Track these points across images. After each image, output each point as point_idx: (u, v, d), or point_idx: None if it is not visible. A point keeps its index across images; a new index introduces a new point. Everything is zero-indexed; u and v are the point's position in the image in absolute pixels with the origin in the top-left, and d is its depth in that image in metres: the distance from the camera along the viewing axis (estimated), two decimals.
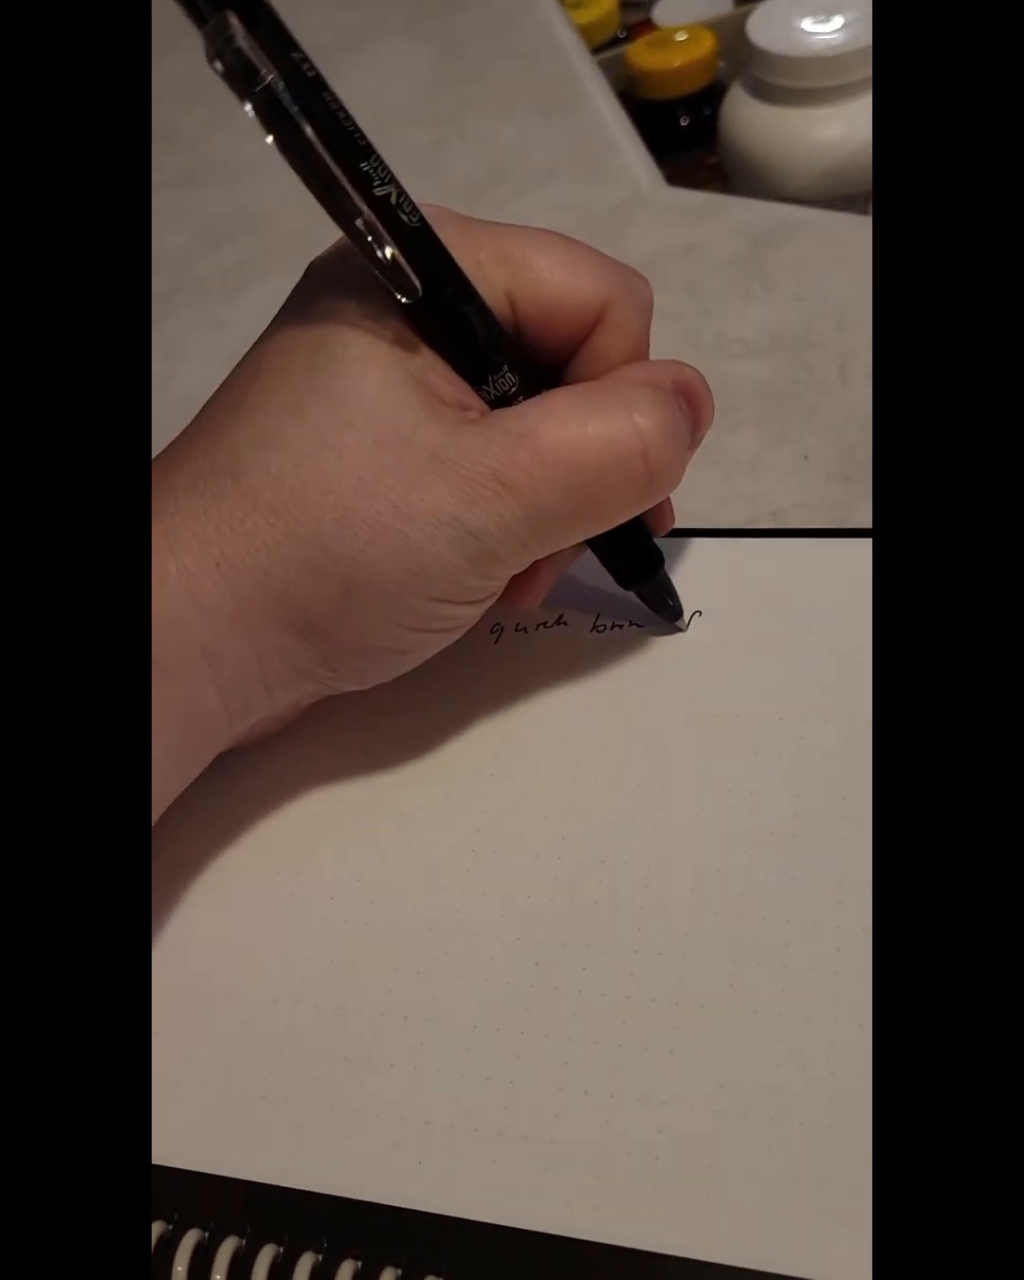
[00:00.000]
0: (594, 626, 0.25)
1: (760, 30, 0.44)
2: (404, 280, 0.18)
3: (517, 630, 0.25)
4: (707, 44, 0.52)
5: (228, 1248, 0.18)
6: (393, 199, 0.17)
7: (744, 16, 0.48)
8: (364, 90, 0.46)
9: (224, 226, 0.42)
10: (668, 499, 0.23)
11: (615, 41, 0.58)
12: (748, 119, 0.46)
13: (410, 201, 0.18)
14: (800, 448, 0.29)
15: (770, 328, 0.31)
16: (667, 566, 0.24)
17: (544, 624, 0.25)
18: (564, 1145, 0.18)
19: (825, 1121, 0.17)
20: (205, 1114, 0.20)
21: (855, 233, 0.33)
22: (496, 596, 0.21)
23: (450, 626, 0.21)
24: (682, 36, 0.53)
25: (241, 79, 0.16)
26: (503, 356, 0.19)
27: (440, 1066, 0.19)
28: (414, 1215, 0.18)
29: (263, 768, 0.24)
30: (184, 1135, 0.19)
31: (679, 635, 0.24)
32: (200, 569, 0.19)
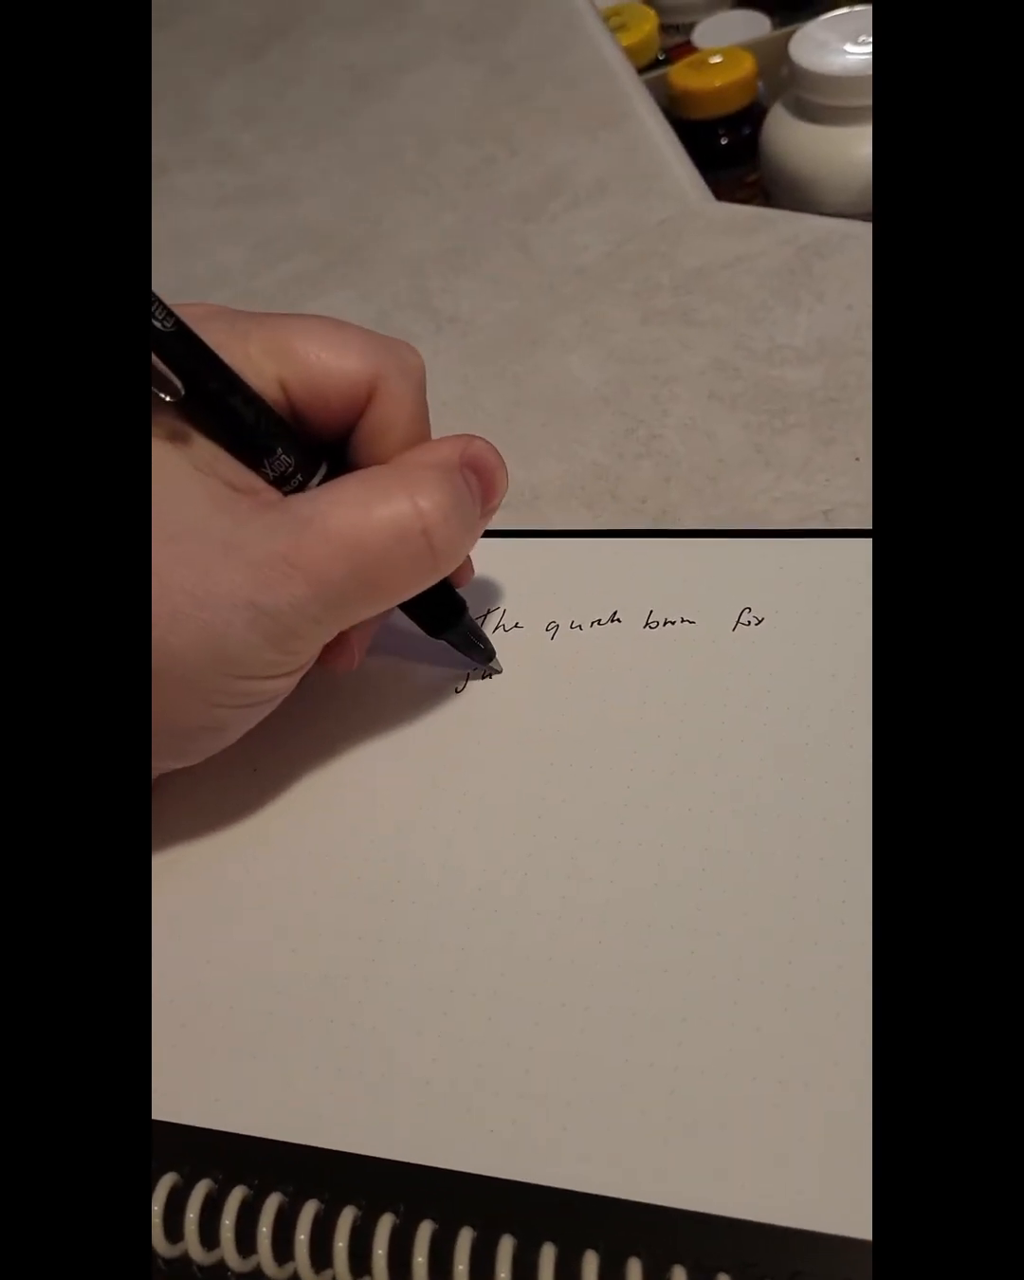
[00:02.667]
0: (646, 622, 0.26)
1: (803, 50, 0.45)
2: (165, 382, 0.19)
3: (572, 628, 0.26)
4: (746, 65, 0.53)
5: (236, 1196, 0.19)
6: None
7: (781, 39, 0.49)
8: (416, 110, 0.47)
9: (282, 241, 0.43)
10: (468, 557, 0.24)
11: (656, 63, 0.59)
12: (790, 137, 0.47)
13: (165, 308, 0.19)
14: (850, 449, 0.29)
15: (819, 335, 0.32)
16: (726, 563, 0.24)
17: (598, 621, 0.26)
18: (581, 1107, 0.19)
19: (829, 1082, 0.18)
20: (227, 1076, 0.20)
21: None
22: (305, 669, 0.22)
23: (261, 700, 0.22)
24: (718, 59, 0.54)
25: None
26: (274, 439, 0.20)
27: (462, 1035, 0.20)
28: (434, 1172, 0.19)
29: (307, 737, 0.25)
30: (206, 1096, 0.20)
31: (731, 631, 0.25)
32: None
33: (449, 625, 0.24)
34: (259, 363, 0.21)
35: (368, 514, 0.20)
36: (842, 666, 0.24)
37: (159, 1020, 0.21)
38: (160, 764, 0.22)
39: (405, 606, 0.24)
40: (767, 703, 0.23)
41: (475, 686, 0.25)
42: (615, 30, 0.58)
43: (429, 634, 0.25)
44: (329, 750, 0.25)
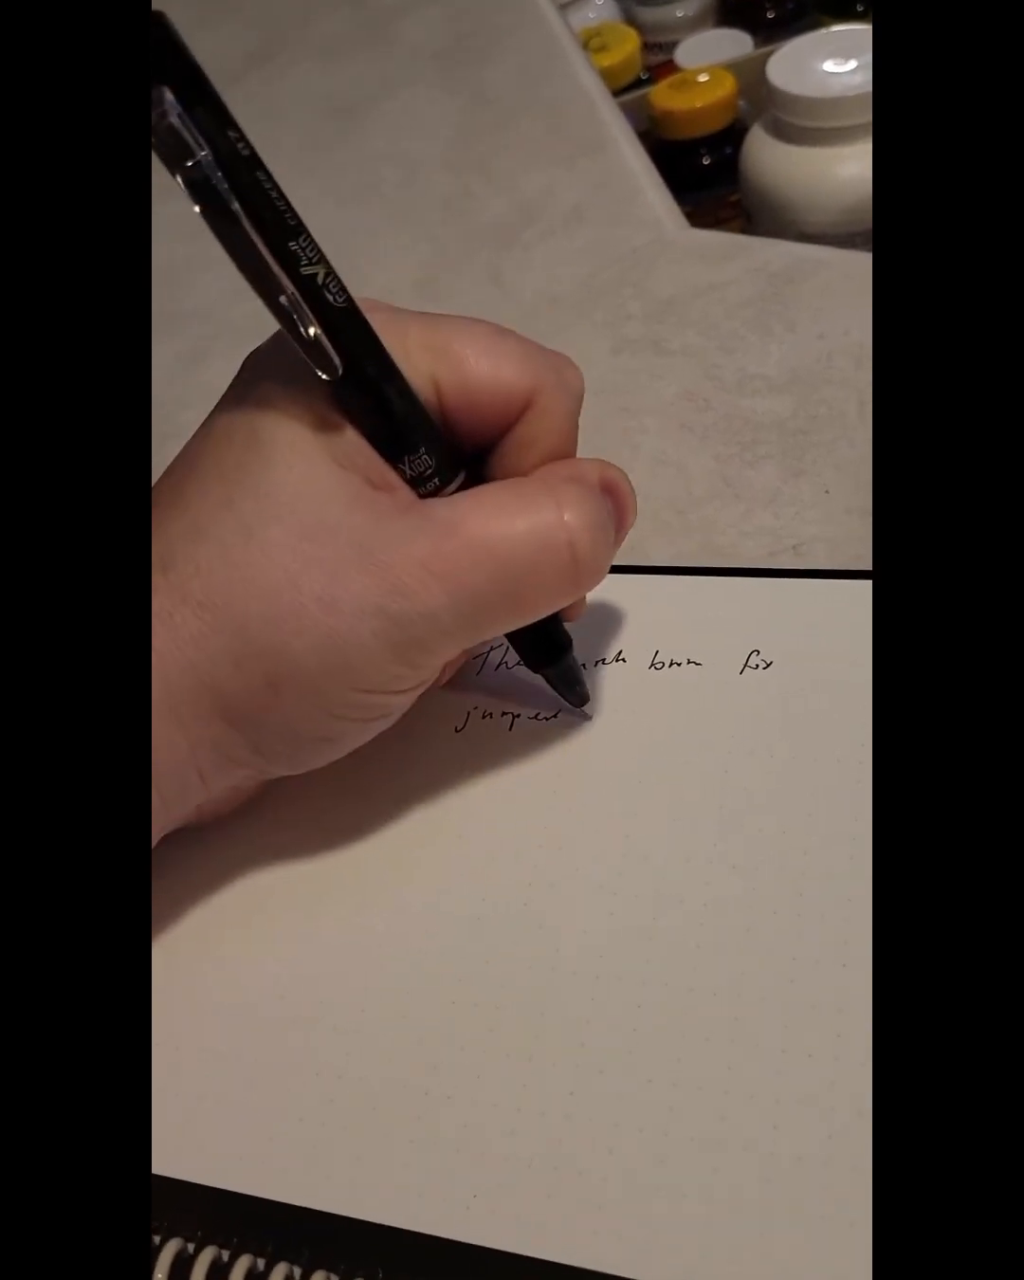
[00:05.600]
0: (652, 663, 0.25)
1: (781, 72, 0.45)
2: (325, 358, 0.18)
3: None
4: (727, 85, 0.53)
5: (206, 1258, 0.18)
6: (320, 278, 0.18)
7: (764, 58, 0.49)
8: (395, 139, 0.47)
9: None
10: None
11: (638, 83, 0.59)
12: (769, 158, 0.46)
13: (339, 283, 0.18)
14: (820, 482, 0.29)
15: (791, 365, 0.32)
16: (732, 603, 0.24)
17: (602, 661, 0.26)
18: (567, 1173, 0.18)
19: (825, 1155, 0.17)
20: (210, 1129, 0.20)
21: None
22: (426, 685, 0.21)
23: (380, 714, 0.21)
24: (703, 78, 0.54)
25: (172, 154, 0.16)
26: (420, 437, 0.20)
27: (451, 1092, 0.19)
28: (411, 1235, 0.18)
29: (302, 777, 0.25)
30: (189, 1149, 0.20)
31: (738, 674, 0.24)
32: None
33: (553, 660, 0.24)
34: (416, 358, 0.20)
35: (512, 523, 0.19)
36: (853, 712, 0.23)
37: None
38: (270, 770, 0.22)
39: (512, 634, 0.23)
40: (775, 749, 0.23)
41: (476, 725, 0.25)
42: (596, 51, 0.58)
43: (530, 667, 0.24)
44: (325, 795, 0.24)
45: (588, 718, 0.25)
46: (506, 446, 0.21)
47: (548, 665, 0.24)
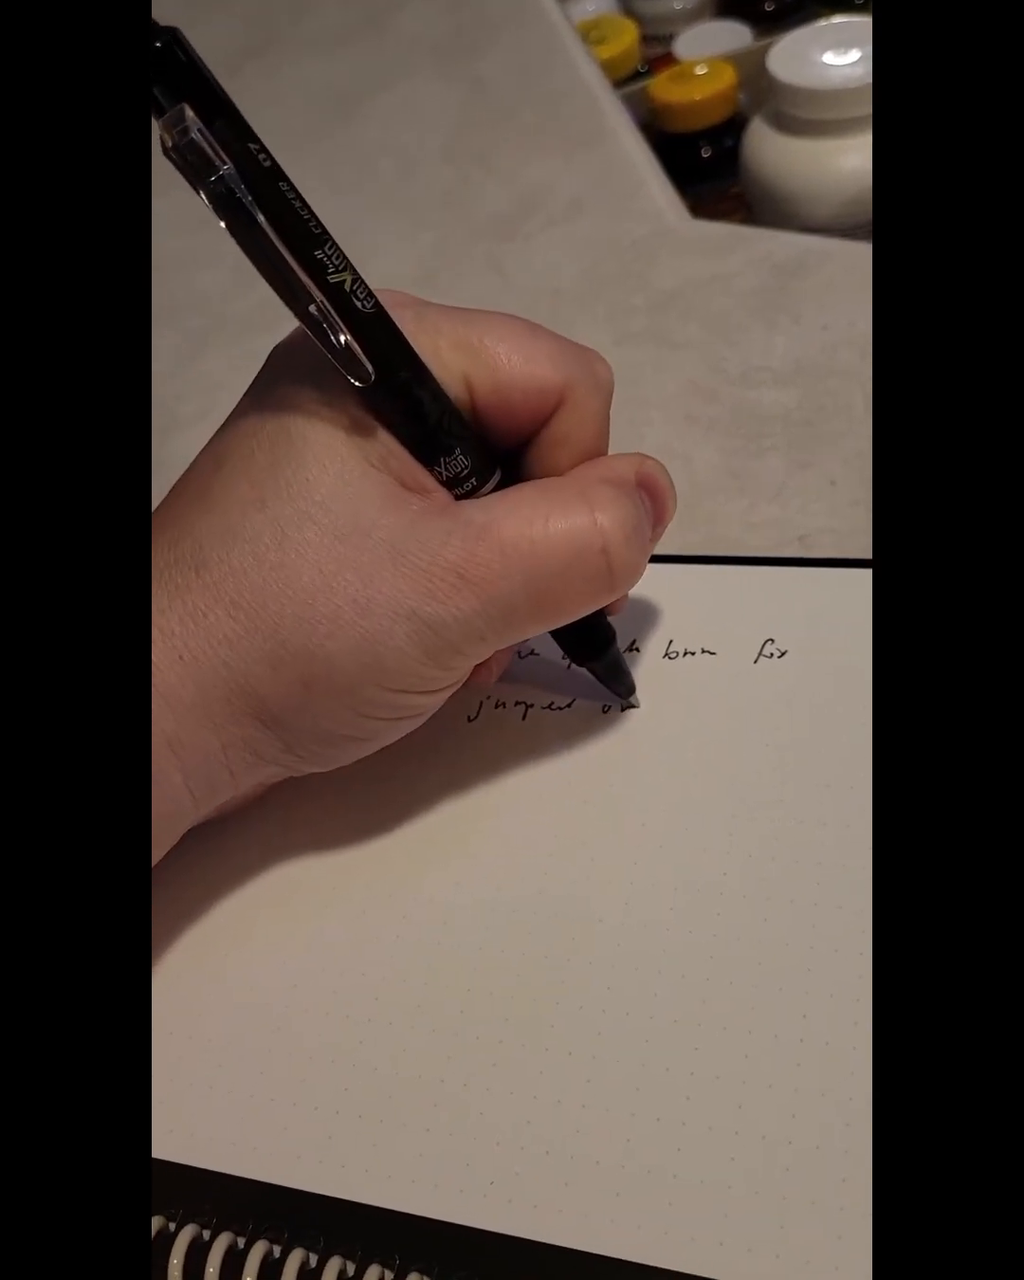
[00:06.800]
0: (666, 653, 0.25)
1: (781, 64, 0.45)
2: (357, 365, 0.18)
3: None
4: (727, 77, 0.53)
5: (222, 1244, 0.18)
6: (347, 285, 0.18)
7: (763, 50, 0.49)
8: (393, 130, 0.47)
9: None
10: None
11: (637, 75, 0.59)
12: (770, 150, 0.46)
13: (366, 288, 0.18)
14: (826, 474, 0.29)
15: (796, 356, 0.32)
16: (746, 592, 0.24)
17: None
18: (583, 1162, 0.18)
19: (843, 1145, 0.18)
20: (222, 1115, 0.20)
21: None
22: (459, 685, 0.21)
23: (412, 714, 0.21)
24: (702, 70, 0.54)
25: (195, 169, 0.16)
26: (454, 439, 0.20)
27: (467, 1080, 0.20)
28: (426, 1222, 0.18)
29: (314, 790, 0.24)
30: (197, 1133, 0.20)
31: (753, 663, 0.24)
32: (164, 661, 0.19)
33: (597, 654, 0.24)
34: (447, 358, 0.20)
35: (546, 527, 0.19)
36: (868, 702, 0.23)
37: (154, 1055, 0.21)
38: (300, 768, 0.22)
39: (556, 631, 0.23)
40: (790, 738, 0.23)
41: (489, 715, 0.25)
42: (595, 43, 0.58)
43: (574, 661, 0.24)
44: (338, 786, 0.24)
45: (635, 706, 0.24)
46: (541, 444, 0.21)
47: (592, 659, 0.24)
